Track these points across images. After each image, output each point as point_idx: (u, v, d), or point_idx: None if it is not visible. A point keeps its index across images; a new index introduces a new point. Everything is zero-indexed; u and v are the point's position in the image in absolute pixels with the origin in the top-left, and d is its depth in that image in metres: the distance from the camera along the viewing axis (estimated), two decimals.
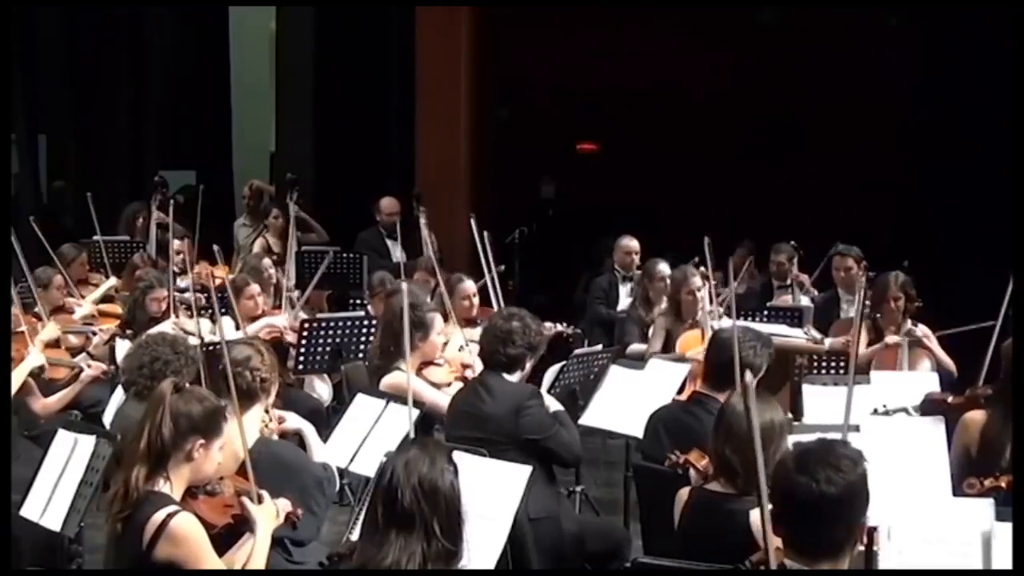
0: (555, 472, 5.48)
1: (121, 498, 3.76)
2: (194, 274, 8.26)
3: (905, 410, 5.23)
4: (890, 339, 7.14)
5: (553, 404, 5.47)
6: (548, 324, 6.33)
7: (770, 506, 3.84)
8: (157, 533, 3.65)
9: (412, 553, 3.18)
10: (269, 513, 3.95)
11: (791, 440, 4.22)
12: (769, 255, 9.73)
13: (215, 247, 7.19)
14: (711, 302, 7.50)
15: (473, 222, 8.36)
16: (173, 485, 3.80)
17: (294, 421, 4.87)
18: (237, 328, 7.47)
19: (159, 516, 3.66)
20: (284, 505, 4.07)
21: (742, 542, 3.79)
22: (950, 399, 5.42)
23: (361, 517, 4.18)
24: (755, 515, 3.89)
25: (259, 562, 3.87)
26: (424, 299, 6.28)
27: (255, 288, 7.79)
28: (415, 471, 3.24)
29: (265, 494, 3.99)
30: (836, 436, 3.85)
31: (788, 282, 9.44)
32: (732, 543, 3.82)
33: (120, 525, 3.76)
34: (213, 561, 3.74)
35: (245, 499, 3.93)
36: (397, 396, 5.43)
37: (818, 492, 3.11)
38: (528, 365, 5.50)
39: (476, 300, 7.83)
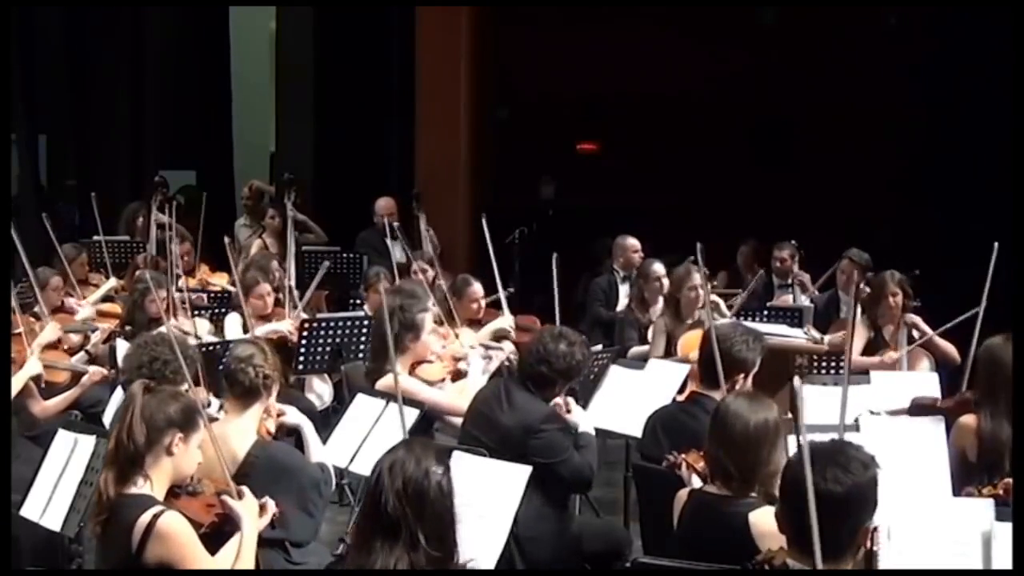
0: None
1: (96, 503, 3.78)
2: (197, 279, 8.28)
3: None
4: (889, 356, 7.15)
5: (583, 424, 5.29)
6: None
7: (767, 507, 3.87)
8: (145, 535, 3.64)
9: (397, 562, 3.12)
10: (252, 508, 3.93)
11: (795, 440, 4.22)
12: (770, 253, 9.74)
13: (226, 239, 7.19)
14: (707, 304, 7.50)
15: (484, 222, 8.33)
16: (154, 483, 3.78)
17: (293, 416, 4.86)
18: (245, 329, 7.47)
19: (145, 518, 3.65)
20: (270, 505, 4.05)
21: (741, 544, 3.79)
22: (939, 402, 5.40)
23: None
24: (754, 517, 3.89)
25: (248, 557, 3.86)
26: (420, 295, 6.25)
27: (265, 287, 7.79)
28: (399, 474, 3.16)
29: (246, 490, 3.97)
30: (835, 436, 3.84)
31: (789, 281, 9.44)
32: (731, 545, 3.82)
33: (100, 529, 3.77)
34: (204, 557, 3.73)
35: (226, 497, 3.91)
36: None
37: (824, 490, 3.10)
38: (558, 391, 5.27)
39: (483, 303, 7.80)
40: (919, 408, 5.31)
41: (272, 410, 4.78)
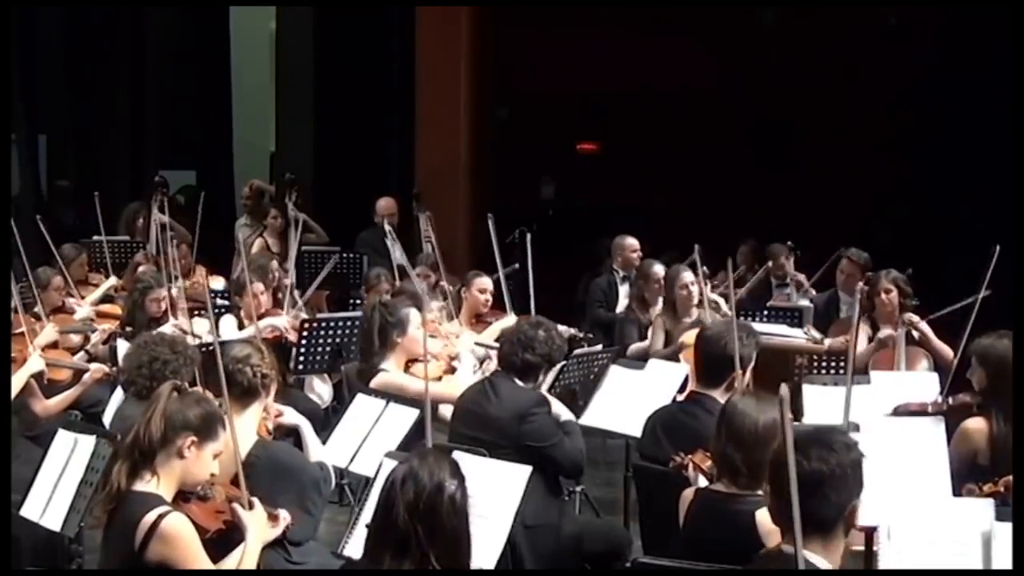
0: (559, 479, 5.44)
1: (107, 492, 3.79)
2: (192, 281, 8.27)
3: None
4: (883, 332, 7.14)
5: (564, 413, 5.40)
6: (562, 328, 6.30)
7: (764, 503, 3.86)
8: (149, 534, 3.65)
9: None
10: (260, 520, 3.91)
11: None
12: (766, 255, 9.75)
13: (237, 239, 7.20)
14: (707, 303, 7.51)
15: (491, 222, 8.33)
16: (161, 482, 3.79)
17: (291, 416, 4.87)
18: (240, 327, 7.48)
19: (150, 517, 3.66)
20: (286, 517, 4.04)
21: (747, 542, 3.78)
22: (930, 406, 5.38)
23: (360, 519, 4.18)
24: (760, 515, 3.89)
25: (248, 567, 3.85)
26: (419, 296, 6.26)
27: (259, 286, 7.80)
28: (411, 488, 3.10)
29: (256, 501, 3.95)
30: None
31: (787, 280, 9.45)
32: (737, 543, 3.82)
33: (106, 518, 3.78)
34: (205, 562, 3.73)
35: (236, 505, 3.90)
36: (397, 396, 5.44)
37: (808, 469, 3.13)
38: (542, 377, 5.41)
39: (490, 297, 7.79)
40: (905, 414, 5.29)
41: (271, 409, 4.78)
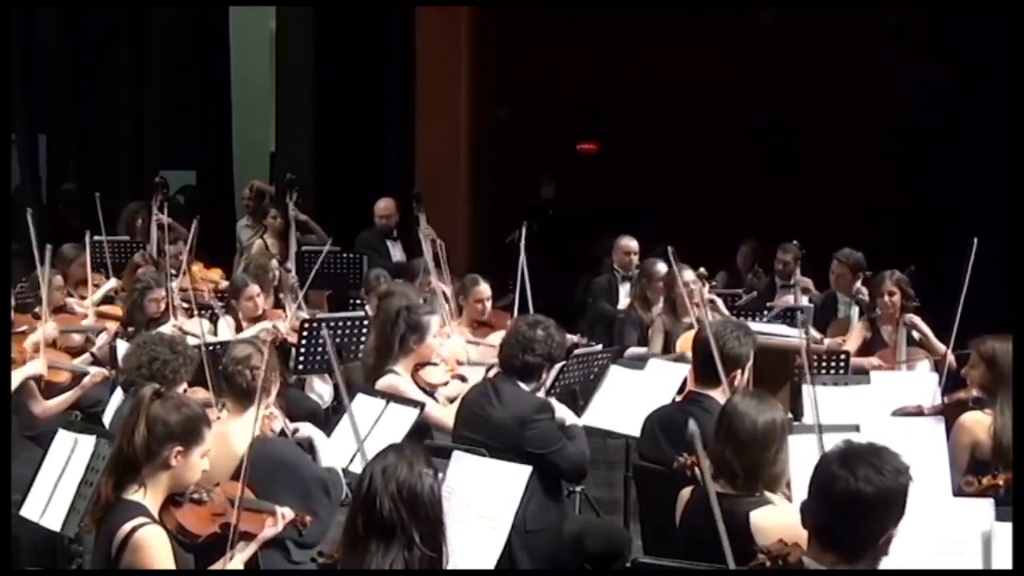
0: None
1: (95, 502, 3.80)
2: (187, 279, 8.28)
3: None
4: (875, 361, 7.17)
5: (569, 417, 5.37)
6: (568, 336, 6.25)
7: (770, 507, 3.86)
8: (123, 545, 3.63)
9: (393, 562, 3.17)
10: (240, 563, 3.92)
11: (801, 440, 4.21)
12: (773, 255, 9.71)
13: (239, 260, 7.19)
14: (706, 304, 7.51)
15: (523, 229, 8.30)
16: (148, 492, 3.75)
17: (307, 431, 4.85)
18: (238, 329, 7.48)
19: (126, 527, 3.64)
20: (288, 513, 4.02)
21: (741, 543, 3.78)
22: (926, 409, 5.39)
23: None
24: (755, 515, 3.89)
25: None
26: (418, 301, 6.24)
27: (255, 288, 7.79)
28: (392, 478, 3.22)
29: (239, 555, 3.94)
30: (835, 436, 3.84)
31: (792, 282, 9.44)
32: (732, 543, 3.82)
33: (95, 527, 3.78)
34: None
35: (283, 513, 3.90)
36: (397, 396, 5.43)
37: (854, 488, 3.07)
38: (544, 376, 5.40)
39: (489, 304, 7.76)
40: (902, 416, 5.30)
41: (283, 421, 4.75)
